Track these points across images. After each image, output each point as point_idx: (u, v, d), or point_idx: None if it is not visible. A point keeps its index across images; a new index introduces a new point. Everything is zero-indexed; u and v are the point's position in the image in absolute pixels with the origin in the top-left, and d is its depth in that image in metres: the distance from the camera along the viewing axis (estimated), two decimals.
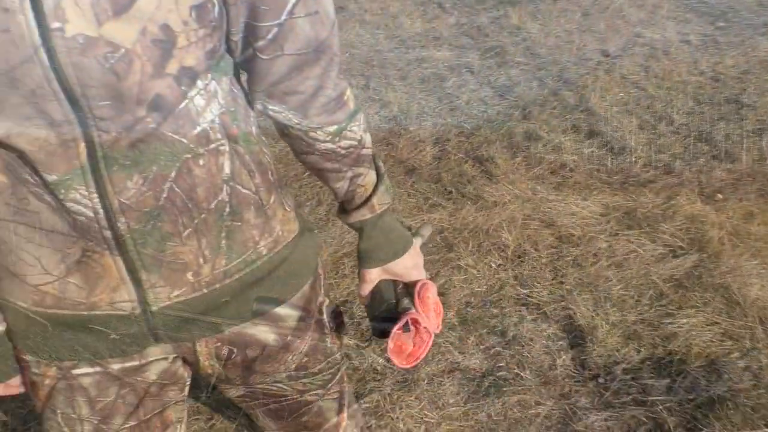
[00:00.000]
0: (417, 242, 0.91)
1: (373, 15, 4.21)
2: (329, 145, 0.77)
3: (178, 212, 0.69)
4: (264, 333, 0.82)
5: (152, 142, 0.65)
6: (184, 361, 0.85)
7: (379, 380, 1.74)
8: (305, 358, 0.88)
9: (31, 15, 0.54)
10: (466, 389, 1.70)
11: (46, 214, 0.66)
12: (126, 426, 0.83)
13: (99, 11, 0.56)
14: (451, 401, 1.67)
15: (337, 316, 0.94)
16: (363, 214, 0.84)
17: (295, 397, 0.91)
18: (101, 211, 0.66)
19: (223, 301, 0.76)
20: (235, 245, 0.75)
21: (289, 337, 0.84)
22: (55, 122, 0.60)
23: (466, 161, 2.58)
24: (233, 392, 0.91)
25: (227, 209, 0.73)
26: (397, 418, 1.61)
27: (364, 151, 0.81)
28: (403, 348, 0.88)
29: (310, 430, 0.98)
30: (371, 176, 0.83)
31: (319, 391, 0.93)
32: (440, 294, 1.91)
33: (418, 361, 0.88)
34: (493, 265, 2.08)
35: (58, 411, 0.81)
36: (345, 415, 0.99)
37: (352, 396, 1.05)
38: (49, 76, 0.57)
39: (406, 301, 0.88)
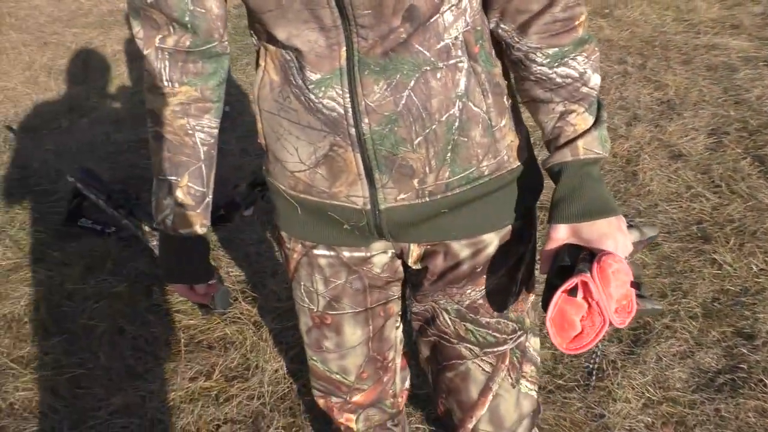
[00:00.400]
0: (633, 234, 0.78)
1: None
2: (545, 69, 0.75)
3: (413, 120, 0.75)
4: (463, 252, 0.85)
5: (400, 52, 0.71)
6: (399, 257, 0.92)
7: (605, 344, 1.73)
8: (480, 300, 0.88)
9: None
10: (696, 379, 1.62)
11: (303, 111, 0.77)
12: (353, 310, 0.94)
13: None
14: (677, 386, 1.60)
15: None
16: (564, 155, 0.76)
17: (453, 340, 0.92)
18: (350, 110, 0.74)
19: (442, 212, 0.82)
20: (459, 159, 0.78)
21: (478, 268, 0.86)
22: (325, 26, 0.69)
23: (744, 158, 2.36)
24: (415, 307, 0.95)
25: (456, 123, 0.77)
26: (618, 384, 1.60)
27: (584, 89, 0.76)
28: (566, 323, 0.72)
29: (449, 393, 0.97)
30: (585, 118, 0.76)
31: (475, 349, 0.91)
32: (686, 285, 1.84)
33: (582, 350, 0.72)
34: (754, 267, 1.90)
35: (302, 283, 0.94)
36: (487, 401, 0.93)
37: (520, 396, 0.95)
38: None
39: (582, 266, 0.72)
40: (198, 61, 0.82)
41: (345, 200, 0.81)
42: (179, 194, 0.86)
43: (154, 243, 2.01)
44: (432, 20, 0.71)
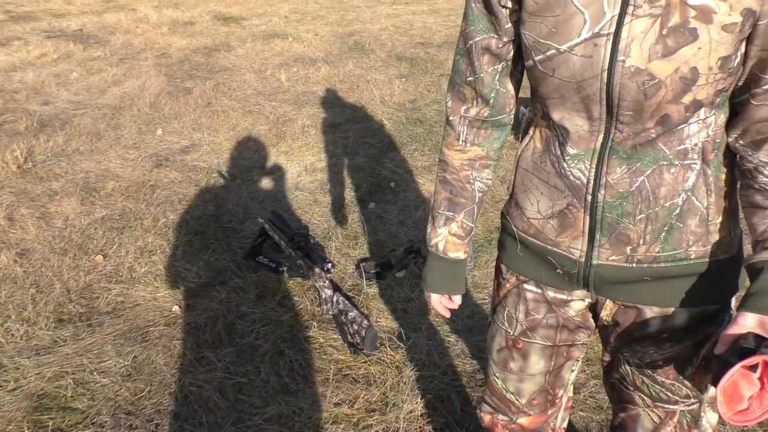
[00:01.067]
0: None
1: None
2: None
3: (641, 200, 0.90)
4: (653, 318, 0.97)
5: (646, 147, 0.87)
6: (592, 310, 1.06)
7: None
8: (659, 362, 0.99)
9: (609, 50, 0.80)
10: None
11: (553, 175, 0.95)
12: (542, 343, 1.09)
13: (652, 53, 0.79)
14: None
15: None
16: (766, 256, 0.85)
17: (629, 387, 1.05)
18: (592, 181, 0.91)
19: (644, 279, 0.94)
20: (671, 240, 0.91)
21: (664, 335, 0.96)
22: (593, 117, 0.87)
23: None
24: (605, 357, 1.10)
25: (677, 211, 0.90)
26: None
27: None
28: (736, 396, 0.76)
29: (620, 429, 1.09)
30: None
31: (647, 399, 1.03)
32: None
33: (747, 423, 0.78)
34: None
35: (506, 308, 1.10)
36: None
37: None
38: (602, 88, 0.83)
39: (765, 350, 0.75)
40: (489, 129, 1.04)
41: (565, 250, 0.98)
42: (454, 227, 1.08)
43: (320, 283, 2.29)
44: (679, 127, 0.85)
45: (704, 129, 0.87)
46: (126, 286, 2.51)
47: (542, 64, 0.87)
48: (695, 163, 0.88)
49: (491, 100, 1.00)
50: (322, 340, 2.19)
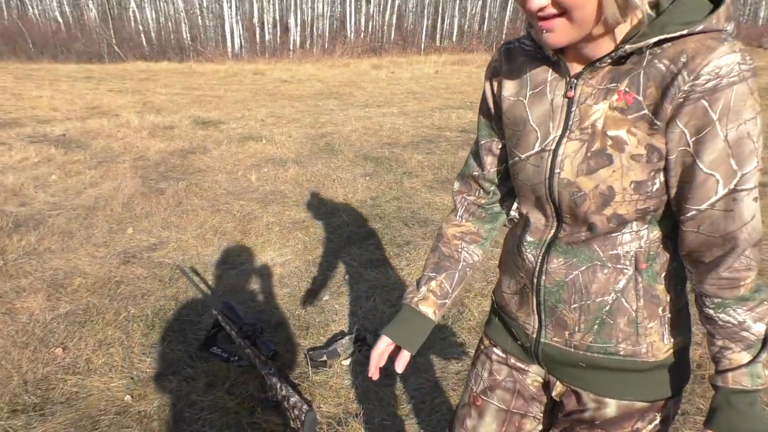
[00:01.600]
0: None
1: None
2: (710, 311, 0.96)
3: (574, 291, 1.04)
4: (589, 403, 1.09)
5: (581, 246, 1.02)
6: (545, 387, 1.19)
7: None
8: None
9: (550, 162, 0.99)
10: None
11: (516, 256, 1.13)
12: (498, 405, 1.21)
13: (579, 169, 0.96)
14: None
15: None
16: (716, 380, 0.95)
17: None
18: (538, 267, 1.07)
19: (580, 364, 1.08)
20: (602, 333, 1.03)
21: (597, 421, 1.09)
22: (546, 214, 1.06)
23: None
24: (553, 429, 1.21)
25: (607, 308, 1.02)
26: None
27: (743, 333, 0.93)
28: None
29: None
30: (741, 355, 0.94)
31: None
32: None
33: None
34: None
35: (476, 367, 1.26)
36: None
37: None
38: (547, 193, 1.01)
39: None
40: (484, 213, 1.23)
41: (522, 324, 1.14)
42: (433, 284, 1.21)
43: (265, 371, 2.43)
44: (613, 234, 0.99)
45: (636, 240, 0.99)
46: (82, 377, 2.62)
47: (512, 167, 1.09)
48: (627, 269, 1.00)
49: (490, 193, 1.21)
50: (264, 425, 2.31)
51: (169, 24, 28.17)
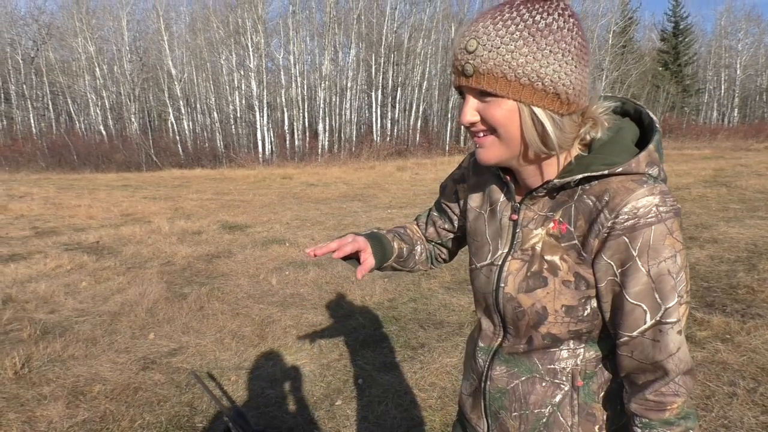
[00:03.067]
0: None
1: None
2: (637, 430, 0.99)
3: (514, 399, 1.10)
4: None
5: (521, 357, 1.09)
6: None
7: None
8: None
9: (496, 276, 1.09)
10: None
11: (470, 360, 1.23)
12: None
13: (520, 287, 1.04)
14: None
15: None
16: None
17: None
18: (485, 373, 1.15)
19: None
20: None
21: None
22: (494, 323, 1.14)
23: None
24: None
25: (544, 420, 1.08)
26: None
27: None
28: None
29: None
30: None
31: None
32: None
33: None
34: None
35: None
36: None
37: None
38: (494, 303, 1.10)
39: None
40: (438, 246, 1.41)
41: (475, 425, 1.22)
42: (391, 236, 1.33)
43: None
44: (549, 349, 1.06)
45: (573, 358, 1.05)
46: None
47: (470, 273, 1.20)
48: (564, 384, 1.06)
49: (432, 243, 1.41)
50: None
51: (205, 133, 29.74)
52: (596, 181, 0.98)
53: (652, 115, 1.02)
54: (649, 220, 0.92)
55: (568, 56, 0.92)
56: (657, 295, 0.93)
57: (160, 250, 7.24)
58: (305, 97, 27.58)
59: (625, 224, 0.93)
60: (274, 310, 4.91)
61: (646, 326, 0.95)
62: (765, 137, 31.48)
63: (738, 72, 41.84)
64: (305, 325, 4.56)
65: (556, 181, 1.00)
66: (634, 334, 0.96)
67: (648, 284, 0.93)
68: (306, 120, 27.59)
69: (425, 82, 28.74)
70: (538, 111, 0.94)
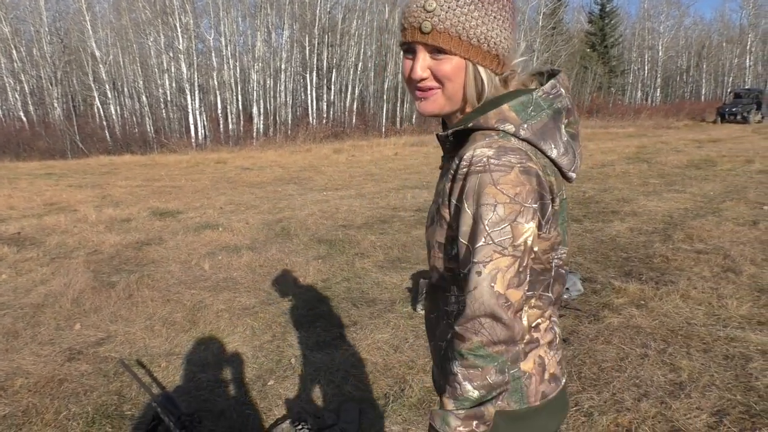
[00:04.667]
0: None
1: (701, 293, 4.32)
2: (448, 353, 1.12)
3: (429, 330, 1.33)
4: None
5: (431, 294, 1.28)
6: None
7: None
8: None
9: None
10: None
11: None
12: None
13: (426, 224, 1.24)
14: None
15: None
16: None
17: None
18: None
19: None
20: (442, 376, 1.24)
21: None
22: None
23: None
24: None
25: (442, 352, 1.26)
26: None
27: (454, 384, 1.02)
28: None
29: None
30: (447, 402, 1.03)
31: None
32: None
33: None
34: None
35: None
36: None
37: None
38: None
39: None
40: None
41: None
42: None
43: None
44: (445, 293, 1.20)
45: (457, 304, 1.19)
46: None
47: None
48: (451, 327, 1.18)
49: None
50: None
51: (134, 118, 28.69)
52: (473, 134, 1.11)
53: (552, 84, 1.11)
54: (477, 168, 1.03)
55: (506, 23, 1.07)
56: (471, 236, 1.03)
57: (87, 239, 7.00)
58: (238, 79, 26.97)
59: (461, 170, 1.05)
60: (206, 295, 4.86)
61: (467, 263, 1.04)
62: (684, 115, 33.13)
63: (660, 53, 43.74)
64: (238, 308, 4.53)
65: (439, 133, 1.17)
66: (465, 270, 1.05)
67: (470, 225, 1.04)
68: (240, 103, 27.00)
69: (360, 63, 28.62)
70: (481, 69, 1.08)
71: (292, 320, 4.25)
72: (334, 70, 28.01)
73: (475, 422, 1.02)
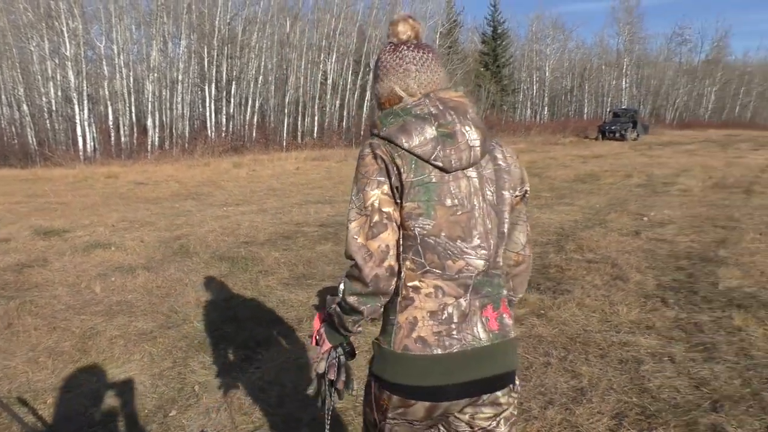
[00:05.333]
0: None
1: (594, 300, 4.57)
2: None
3: None
4: None
5: None
6: None
7: None
8: None
9: None
10: None
11: None
12: None
13: None
14: None
15: None
16: None
17: None
18: None
19: None
20: None
21: None
22: None
23: None
24: None
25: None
26: None
27: (341, 291, 1.46)
28: None
29: None
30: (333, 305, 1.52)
31: None
32: None
33: None
34: None
35: None
36: None
37: None
38: None
39: None
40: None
41: None
42: None
43: None
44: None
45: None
46: None
47: None
48: None
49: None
50: None
51: (13, 128, 26.55)
52: None
53: (416, 100, 1.45)
54: (361, 149, 1.46)
55: (386, 80, 1.53)
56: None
57: None
58: (132, 89, 25.68)
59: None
60: (98, 321, 4.52)
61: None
62: (569, 132, 35.31)
63: (547, 74, 46.40)
64: (134, 334, 4.26)
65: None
66: None
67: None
68: (133, 114, 25.71)
69: (261, 77, 28.14)
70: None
71: (195, 344, 4.04)
72: (233, 83, 27.36)
73: (333, 305, 1.53)
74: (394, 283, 1.40)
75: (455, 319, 1.40)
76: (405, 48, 1.49)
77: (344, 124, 30.10)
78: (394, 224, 1.39)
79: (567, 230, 7.58)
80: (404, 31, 1.51)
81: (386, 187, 1.39)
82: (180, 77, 26.14)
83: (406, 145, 1.38)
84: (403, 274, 1.41)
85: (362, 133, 29.37)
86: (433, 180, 1.39)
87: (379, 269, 1.37)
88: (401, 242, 1.41)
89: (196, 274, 5.73)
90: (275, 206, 10.14)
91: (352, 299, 1.42)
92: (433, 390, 1.40)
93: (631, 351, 3.58)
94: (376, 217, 1.37)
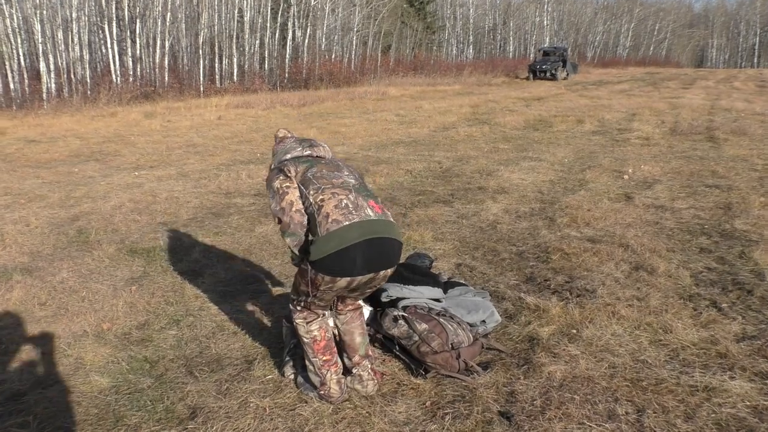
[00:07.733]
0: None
1: (629, 306, 3.51)
2: None
3: None
4: None
5: None
6: None
7: None
8: None
9: None
10: None
11: None
12: None
13: None
14: None
15: None
16: None
17: None
18: None
19: None
20: None
21: None
22: None
23: None
24: None
25: None
26: None
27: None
28: None
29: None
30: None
31: None
32: None
33: None
34: None
35: None
36: None
37: None
38: None
39: None
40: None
41: None
42: None
43: None
44: None
45: None
46: None
47: None
48: None
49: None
50: None
51: None
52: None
53: (291, 145, 2.75)
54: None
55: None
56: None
57: None
58: (20, 29, 22.40)
59: None
60: None
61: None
62: (499, 72, 34.53)
63: (471, 11, 45.24)
64: None
65: None
66: None
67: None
68: (22, 57, 22.52)
69: (169, 14, 25.30)
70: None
71: (92, 413, 2.71)
72: (138, 21, 24.45)
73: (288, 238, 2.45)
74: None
75: (351, 207, 2.37)
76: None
77: (266, 65, 27.88)
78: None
79: (547, 195, 6.57)
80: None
81: (282, 178, 2.54)
82: (74, 15, 23.07)
83: (287, 157, 2.70)
84: (311, 198, 2.41)
85: (287, 75, 27.34)
86: (315, 171, 2.54)
87: (295, 216, 2.42)
88: (304, 186, 2.47)
89: (98, 279, 4.30)
90: (198, 169, 8.60)
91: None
92: (350, 266, 2.33)
93: (725, 407, 2.54)
94: (281, 191, 2.49)
